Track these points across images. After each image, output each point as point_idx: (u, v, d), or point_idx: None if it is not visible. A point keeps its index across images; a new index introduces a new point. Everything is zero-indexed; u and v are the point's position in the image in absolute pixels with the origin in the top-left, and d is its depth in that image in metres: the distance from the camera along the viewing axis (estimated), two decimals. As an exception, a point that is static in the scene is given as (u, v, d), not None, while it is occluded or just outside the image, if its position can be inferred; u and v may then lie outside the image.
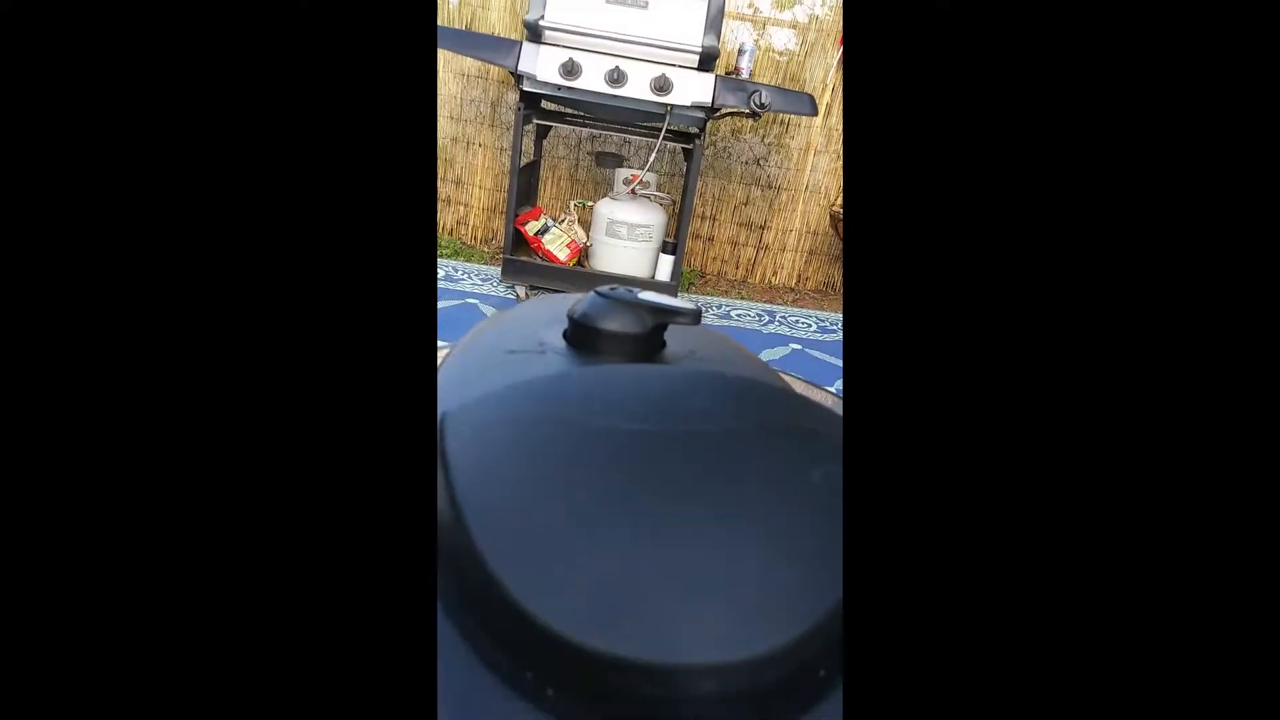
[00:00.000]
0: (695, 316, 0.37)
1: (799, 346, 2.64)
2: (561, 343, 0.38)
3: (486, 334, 0.41)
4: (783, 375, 0.48)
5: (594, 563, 0.24)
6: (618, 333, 0.37)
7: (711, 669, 0.22)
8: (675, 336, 0.40)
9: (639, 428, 0.29)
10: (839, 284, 3.43)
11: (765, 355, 2.50)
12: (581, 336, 0.38)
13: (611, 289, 0.38)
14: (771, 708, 0.23)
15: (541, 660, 0.23)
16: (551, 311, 0.41)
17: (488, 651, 0.24)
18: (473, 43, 2.53)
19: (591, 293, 0.38)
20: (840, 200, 3.22)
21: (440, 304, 2.45)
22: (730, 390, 0.33)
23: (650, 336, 0.38)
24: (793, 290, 3.38)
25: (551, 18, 2.24)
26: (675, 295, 2.63)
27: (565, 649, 0.22)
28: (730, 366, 0.39)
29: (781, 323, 2.89)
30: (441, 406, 0.30)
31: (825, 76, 3.06)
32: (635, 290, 0.38)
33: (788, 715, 0.24)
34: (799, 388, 0.51)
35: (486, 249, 3.26)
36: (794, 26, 3.06)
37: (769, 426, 0.31)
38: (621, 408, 0.30)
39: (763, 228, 3.36)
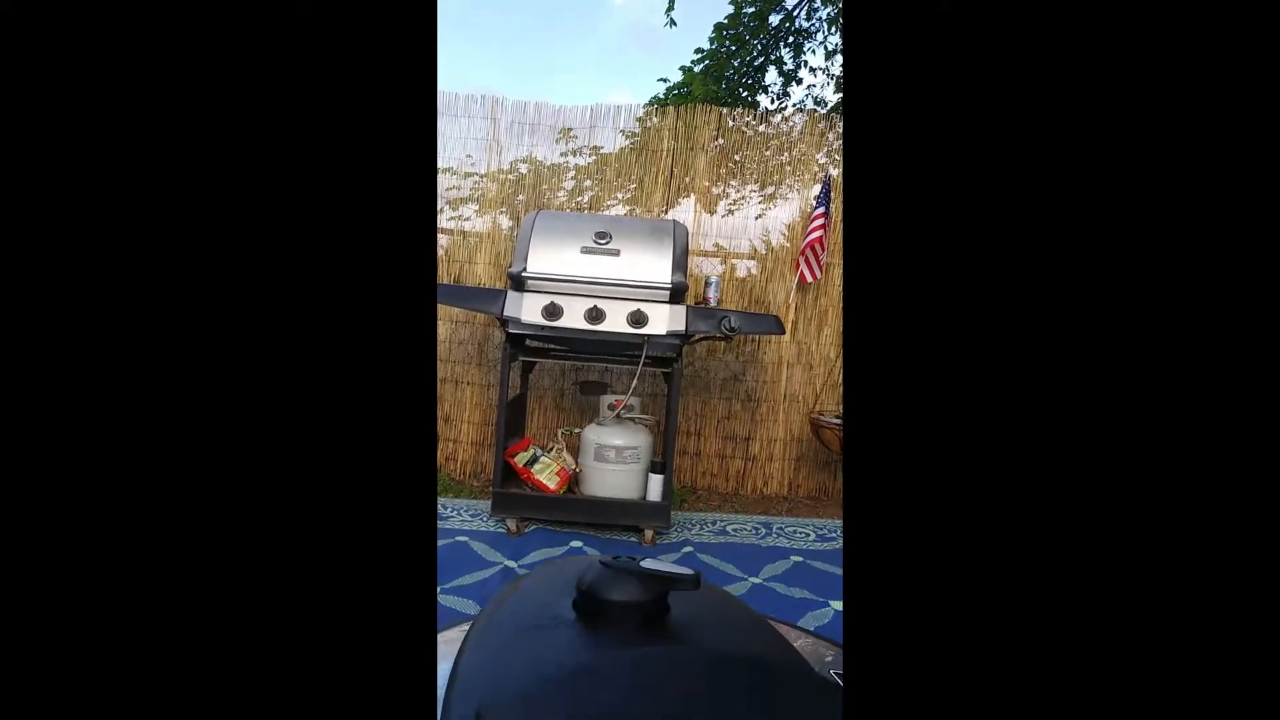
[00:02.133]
0: (695, 581, 0.40)
1: (800, 559, 2.57)
2: (572, 614, 0.41)
3: (506, 605, 0.44)
4: (781, 628, 0.50)
5: None
6: (623, 602, 0.40)
7: None
8: (678, 602, 0.42)
9: None
10: (831, 490, 3.42)
11: (768, 570, 2.41)
12: (590, 607, 0.40)
13: (615, 558, 0.42)
14: None
15: None
16: (563, 579, 0.45)
17: None
18: (463, 296, 2.75)
19: (598, 562, 0.42)
20: (818, 406, 3.33)
21: (429, 545, 2.40)
22: (728, 680, 0.35)
23: (654, 603, 0.40)
24: (786, 499, 3.36)
25: (533, 268, 2.46)
26: (669, 517, 2.61)
27: None
28: (729, 638, 0.41)
29: (779, 534, 2.84)
30: (476, 695, 0.33)
31: (787, 298, 3.33)
32: (637, 559, 0.41)
33: None
34: (797, 639, 0.53)
35: (475, 483, 3.26)
36: (754, 257, 3.38)
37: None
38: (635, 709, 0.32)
39: (748, 439, 3.42)
